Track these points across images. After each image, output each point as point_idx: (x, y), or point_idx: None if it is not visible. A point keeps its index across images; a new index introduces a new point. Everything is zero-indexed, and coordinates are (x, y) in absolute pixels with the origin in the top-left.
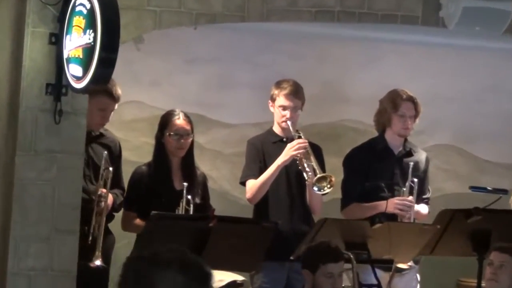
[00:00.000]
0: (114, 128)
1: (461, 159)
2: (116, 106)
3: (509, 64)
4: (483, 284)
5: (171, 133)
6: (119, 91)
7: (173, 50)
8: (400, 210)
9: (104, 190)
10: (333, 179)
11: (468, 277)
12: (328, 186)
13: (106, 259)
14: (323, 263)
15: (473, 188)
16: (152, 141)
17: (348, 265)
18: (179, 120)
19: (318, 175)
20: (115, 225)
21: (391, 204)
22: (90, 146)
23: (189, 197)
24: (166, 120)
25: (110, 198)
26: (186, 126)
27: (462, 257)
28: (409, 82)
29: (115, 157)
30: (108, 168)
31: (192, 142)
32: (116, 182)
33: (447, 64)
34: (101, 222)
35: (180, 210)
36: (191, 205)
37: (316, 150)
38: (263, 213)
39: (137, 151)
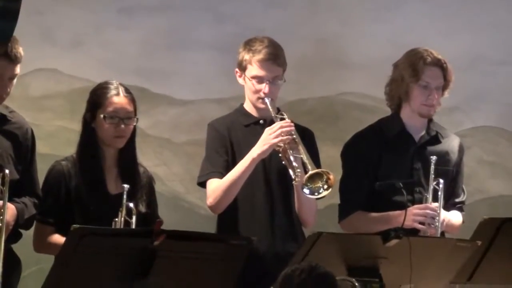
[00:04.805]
0: (16, 106)
1: None
2: (17, 71)
3: None
4: None
5: (107, 116)
6: (19, 49)
7: None
8: (421, 223)
9: (0, 203)
10: (331, 177)
11: None
12: (325, 187)
13: None
14: None
15: None
16: (72, 126)
17: None
18: (118, 97)
19: (311, 172)
20: (24, 246)
21: (409, 215)
22: None
23: (131, 204)
24: (99, 97)
25: (11, 211)
26: (128, 105)
27: None
28: (439, 39)
29: (25, 151)
30: (3, 169)
31: (134, 128)
32: (28, 187)
33: (495, 14)
34: None
35: (118, 223)
36: (134, 216)
37: (306, 137)
38: (232, 227)
39: (50, 140)
